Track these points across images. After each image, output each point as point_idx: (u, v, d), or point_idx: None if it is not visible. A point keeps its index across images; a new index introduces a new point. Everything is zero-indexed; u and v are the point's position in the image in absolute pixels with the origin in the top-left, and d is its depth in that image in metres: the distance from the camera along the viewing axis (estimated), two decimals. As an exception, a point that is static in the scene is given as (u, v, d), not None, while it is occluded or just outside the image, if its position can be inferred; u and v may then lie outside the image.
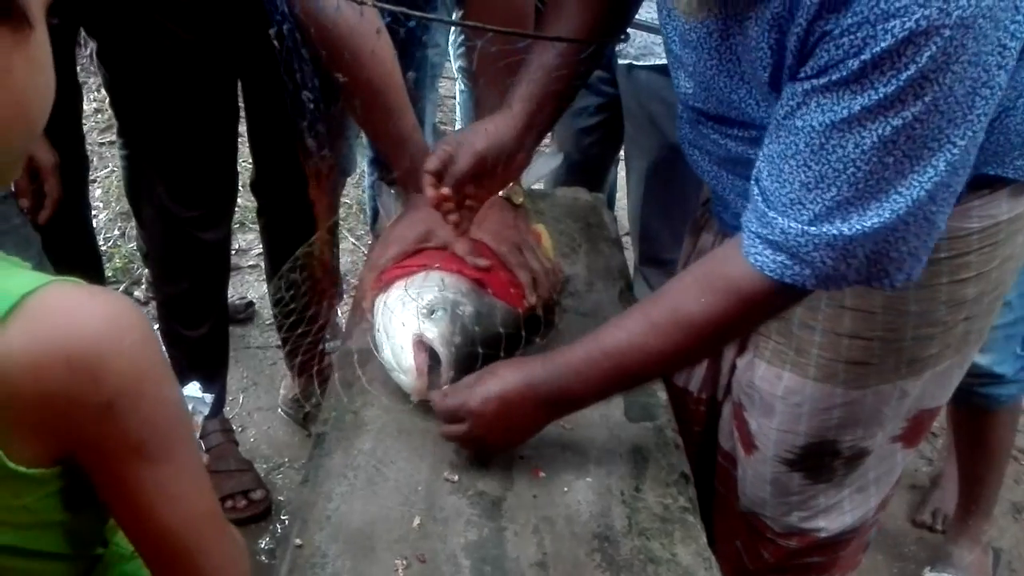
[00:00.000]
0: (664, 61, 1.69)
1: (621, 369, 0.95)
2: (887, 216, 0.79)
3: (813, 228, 0.82)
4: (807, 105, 0.80)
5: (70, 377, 0.54)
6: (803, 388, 1.08)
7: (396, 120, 1.26)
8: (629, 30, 1.21)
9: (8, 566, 0.62)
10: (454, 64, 2.93)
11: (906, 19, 0.71)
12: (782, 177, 0.83)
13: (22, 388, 0.54)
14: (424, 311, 1.10)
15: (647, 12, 1.56)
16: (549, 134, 2.00)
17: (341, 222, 2.99)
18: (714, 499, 1.28)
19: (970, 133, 0.78)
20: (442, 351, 1.07)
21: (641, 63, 1.75)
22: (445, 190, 1.05)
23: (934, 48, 0.71)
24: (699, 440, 1.27)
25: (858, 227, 0.80)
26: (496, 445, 1.02)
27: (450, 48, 2.74)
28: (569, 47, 1.08)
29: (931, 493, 1.94)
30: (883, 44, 0.72)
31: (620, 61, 1.79)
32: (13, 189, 1.46)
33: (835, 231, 0.81)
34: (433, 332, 1.08)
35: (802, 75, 0.80)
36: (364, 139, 2.38)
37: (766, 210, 0.85)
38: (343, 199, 3.15)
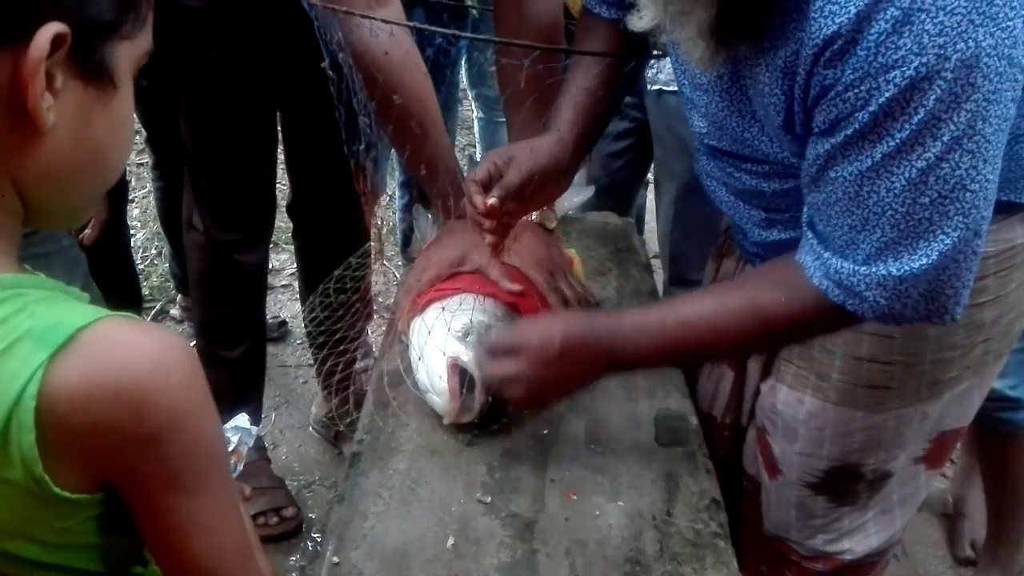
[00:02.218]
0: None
1: (687, 341, 0.96)
2: (935, 256, 0.81)
3: (865, 268, 0.85)
4: (834, 159, 0.82)
5: (117, 410, 0.57)
6: (824, 412, 1.08)
7: (432, 145, 1.29)
8: (659, 53, 1.24)
9: None
10: (471, 92, 2.94)
11: (905, 68, 0.73)
12: (832, 222, 0.86)
13: (71, 418, 0.56)
14: (459, 334, 1.12)
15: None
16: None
17: (373, 244, 3.03)
18: (740, 525, 1.28)
19: (998, 166, 0.79)
20: (476, 374, 1.09)
21: (671, 88, 1.77)
22: (493, 200, 1.04)
23: (939, 91, 0.73)
24: (724, 465, 1.27)
25: (907, 268, 0.82)
26: (546, 390, 1.01)
27: (463, 75, 2.76)
28: (605, 70, 1.11)
29: (962, 524, 1.92)
30: (887, 94, 0.75)
31: (650, 87, 1.81)
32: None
33: (884, 271, 0.84)
34: (468, 355, 1.10)
35: (817, 131, 0.83)
36: (394, 161, 2.42)
37: (822, 251, 0.88)
38: (374, 220, 3.19)
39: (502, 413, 1.14)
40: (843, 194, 0.83)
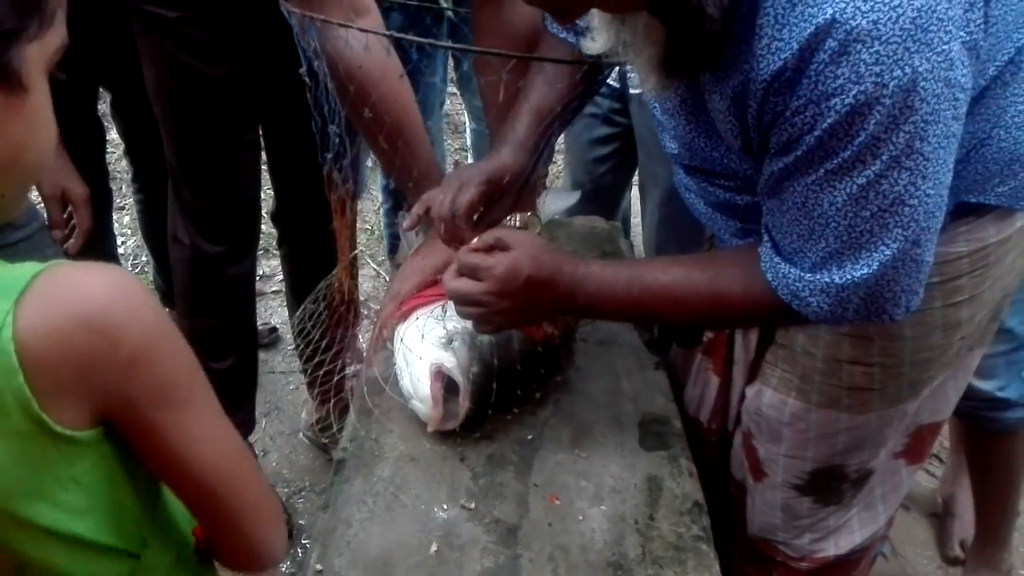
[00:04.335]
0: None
1: (647, 307, 1.00)
2: (875, 266, 0.85)
3: (810, 275, 0.89)
4: (785, 174, 0.86)
5: (91, 340, 0.60)
6: (807, 414, 1.10)
7: (414, 154, 1.29)
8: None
9: (56, 561, 0.66)
10: (463, 100, 2.94)
11: (844, 96, 0.76)
12: (783, 230, 0.90)
13: (48, 356, 0.59)
14: (443, 341, 1.13)
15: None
16: (563, 167, 2.04)
17: (363, 248, 3.04)
18: (727, 528, 1.29)
19: (941, 180, 0.82)
20: (460, 380, 1.09)
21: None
22: (464, 231, 1.10)
23: (879, 116, 0.76)
24: (711, 470, 1.28)
25: (848, 276, 0.86)
26: (500, 316, 1.03)
27: (451, 77, 2.76)
28: (564, 85, 1.15)
29: (951, 524, 1.92)
30: (830, 120, 0.78)
31: (632, 91, 1.82)
32: (47, 221, 1.51)
33: (828, 279, 0.88)
34: (451, 362, 1.10)
35: (772, 151, 0.87)
36: (376, 165, 2.42)
37: (773, 255, 0.92)
38: (365, 225, 3.19)
39: (485, 419, 1.15)
40: (792, 205, 0.87)
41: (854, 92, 0.76)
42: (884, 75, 0.74)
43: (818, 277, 0.88)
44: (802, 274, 0.89)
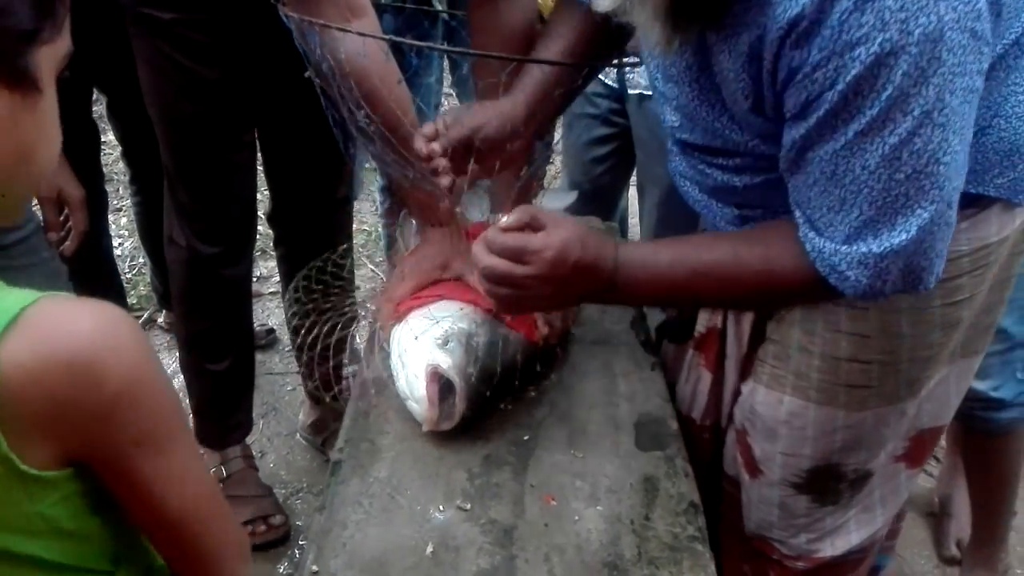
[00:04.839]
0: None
1: (694, 287, 0.96)
2: (914, 232, 0.82)
3: (845, 247, 0.85)
4: (809, 141, 0.83)
5: (72, 381, 0.58)
6: (805, 411, 1.09)
7: (411, 155, 1.30)
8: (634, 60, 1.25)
9: None
10: (457, 100, 2.94)
11: (869, 45, 0.74)
12: (812, 203, 0.87)
13: (28, 393, 0.58)
14: (439, 341, 1.13)
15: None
16: (560, 166, 2.04)
17: (361, 249, 3.04)
18: (720, 525, 1.29)
19: (966, 137, 0.80)
20: (456, 381, 1.10)
21: (651, 93, 1.78)
22: (435, 146, 1.05)
23: (905, 66, 0.74)
24: (704, 467, 1.27)
25: (887, 244, 0.83)
26: (534, 301, 0.98)
27: (445, 77, 2.76)
28: (570, 54, 1.13)
29: (948, 524, 1.92)
30: (854, 72, 0.75)
31: (631, 91, 1.82)
32: (42, 223, 1.51)
33: (864, 249, 0.84)
34: (447, 362, 1.10)
35: (790, 115, 0.83)
36: (374, 166, 2.42)
37: (807, 230, 0.89)
38: (362, 226, 3.19)
39: (481, 420, 1.15)
40: (820, 174, 0.84)
41: (879, 40, 0.73)
42: (910, 22, 0.72)
43: (855, 248, 0.85)
44: (837, 247, 0.86)
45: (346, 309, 1.37)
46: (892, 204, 0.81)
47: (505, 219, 0.95)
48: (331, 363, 1.27)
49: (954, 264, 0.97)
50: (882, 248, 0.83)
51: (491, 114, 1.09)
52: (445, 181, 1.06)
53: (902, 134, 0.78)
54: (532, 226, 0.95)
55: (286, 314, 1.34)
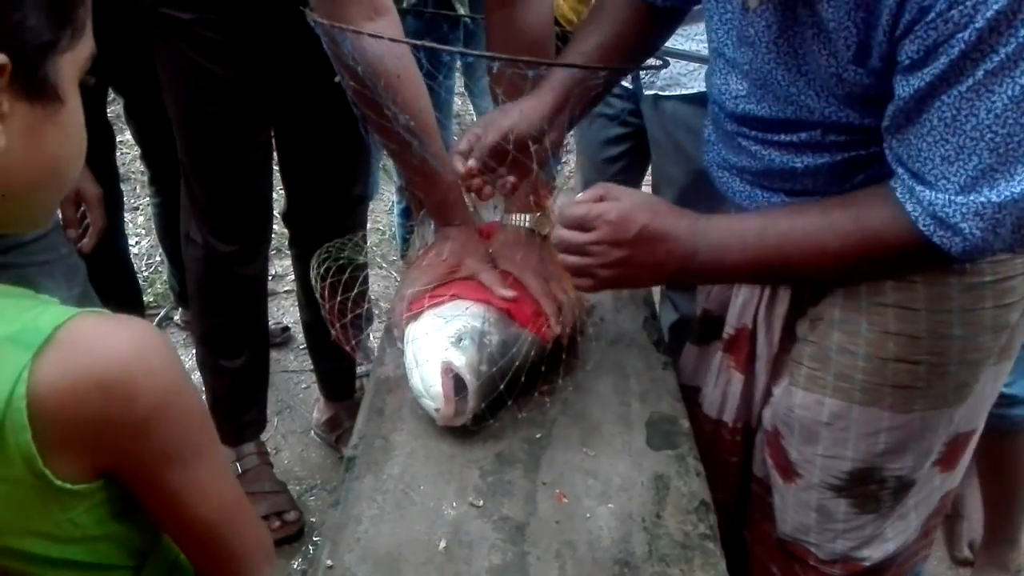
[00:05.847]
0: (690, 91, 1.74)
1: (785, 254, 0.92)
2: None
3: (961, 198, 0.82)
4: (929, 89, 0.80)
5: (105, 400, 0.59)
6: (848, 412, 1.06)
7: (427, 154, 1.31)
8: (656, 61, 1.24)
9: None
10: (471, 104, 2.96)
11: None
12: (923, 155, 0.84)
13: (62, 413, 0.58)
14: (452, 339, 1.14)
15: (676, 42, 1.60)
16: (574, 166, 2.04)
17: (375, 248, 3.05)
18: (747, 526, 1.28)
19: None
20: (469, 378, 1.10)
21: (667, 93, 1.78)
22: (472, 163, 1.06)
23: None
24: (737, 470, 1.25)
25: (1007, 193, 0.80)
26: (607, 269, 0.95)
27: (459, 79, 2.78)
28: (597, 54, 1.12)
29: (960, 525, 1.91)
30: (995, 7, 0.72)
31: (646, 92, 1.82)
32: (60, 221, 1.53)
33: (983, 199, 0.81)
34: (460, 360, 1.11)
35: (907, 62, 0.80)
36: (390, 166, 2.44)
37: (914, 184, 0.86)
38: (377, 226, 3.21)
39: (494, 418, 1.16)
40: (938, 121, 0.80)
41: None
42: None
43: (971, 198, 0.81)
44: (952, 198, 0.82)
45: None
46: (1015, 151, 0.78)
47: (581, 194, 0.96)
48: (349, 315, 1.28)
49: (1007, 264, 0.95)
50: (1001, 197, 0.79)
51: (520, 114, 1.08)
52: (488, 190, 1.09)
53: None
54: (604, 198, 0.94)
55: (311, 272, 1.35)
